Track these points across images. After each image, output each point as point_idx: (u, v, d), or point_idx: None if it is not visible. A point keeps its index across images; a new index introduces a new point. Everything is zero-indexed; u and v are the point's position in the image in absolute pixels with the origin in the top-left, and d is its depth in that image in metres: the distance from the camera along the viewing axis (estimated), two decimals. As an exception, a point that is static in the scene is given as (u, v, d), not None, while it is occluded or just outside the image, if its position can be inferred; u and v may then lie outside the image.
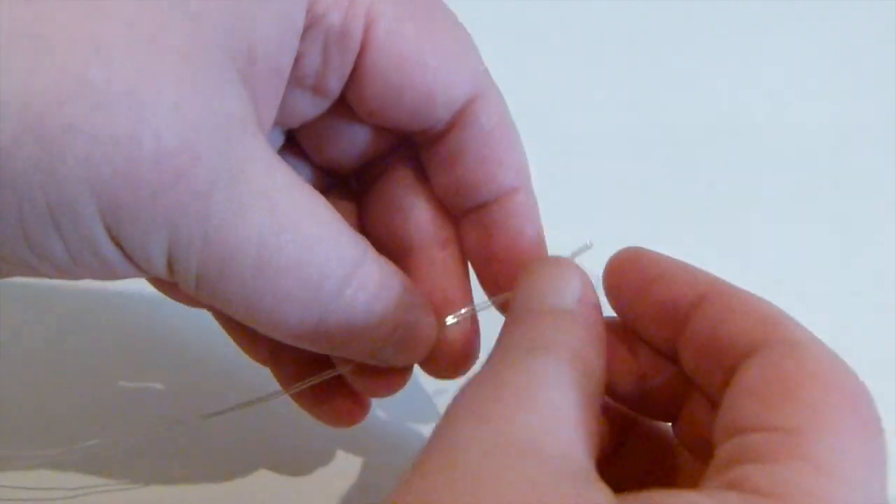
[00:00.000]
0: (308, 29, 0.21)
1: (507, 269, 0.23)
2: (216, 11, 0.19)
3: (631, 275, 0.22)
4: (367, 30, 0.22)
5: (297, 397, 0.25)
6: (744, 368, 0.18)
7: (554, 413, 0.17)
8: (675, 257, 0.22)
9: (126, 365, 0.30)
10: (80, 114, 0.16)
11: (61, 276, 0.19)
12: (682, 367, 0.22)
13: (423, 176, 0.25)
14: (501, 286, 0.24)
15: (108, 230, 0.18)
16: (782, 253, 0.39)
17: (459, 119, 0.23)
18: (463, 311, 0.24)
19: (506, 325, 0.21)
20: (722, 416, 0.18)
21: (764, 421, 0.16)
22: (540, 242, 0.24)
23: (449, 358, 0.24)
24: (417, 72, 0.22)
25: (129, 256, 0.19)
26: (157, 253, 0.19)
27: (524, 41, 0.51)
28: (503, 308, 0.24)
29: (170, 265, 0.19)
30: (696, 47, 0.52)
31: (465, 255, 0.25)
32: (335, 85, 0.22)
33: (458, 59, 0.23)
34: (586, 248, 0.23)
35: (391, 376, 0.24)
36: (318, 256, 0.20)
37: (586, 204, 0.40)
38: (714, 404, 0.22)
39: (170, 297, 0.25)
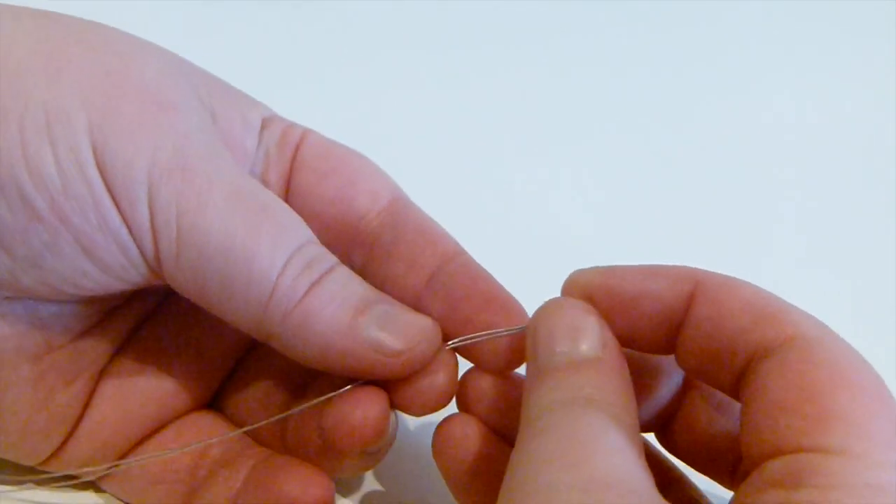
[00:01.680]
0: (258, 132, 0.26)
1: (476, 308, 0.24)
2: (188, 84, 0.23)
3: (607, 301, 0.22)
4: (300, 140, 0.26)
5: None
6: (763, 375, 0.18)
7: (625, 455, 0.18)
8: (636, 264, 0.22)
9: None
10: (80, 51, 0.21)
11: (52, 213, 0.20)
12: (683, 369, 0.22)
13: None
14: (476, 326, 0.24)
15: (95, 148, 0.20)
16: (791, 261, 0.40)
17: (390, 213, 0.25)
18: (464, 337, 0.24)
19: (536, 376, 0.21)
20: (755, 431, 0.18)
21: (813, 442, 0.17)
22: (498, 284, 0.24)
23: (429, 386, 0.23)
24: (342, 164, 0.26)
25: (112, 191, 0.20)
26: (140, 185, 0.20)
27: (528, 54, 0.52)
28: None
29: (150, 200, 0.20)
30: (699, 56, 0.53)
31: None
32: (276, 187, 0.26)
33: (376, 170, 0.26)
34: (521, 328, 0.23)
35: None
36: (287, 210, 0.23)
37: (586, 211, 0.41)
38: (719, 405, 0.23)
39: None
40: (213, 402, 0.27)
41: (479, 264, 0.25)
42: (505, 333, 0.23)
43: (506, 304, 0.24)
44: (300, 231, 0.23)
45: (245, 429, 0.25)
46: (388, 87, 0.47)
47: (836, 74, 0.52)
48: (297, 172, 0.26)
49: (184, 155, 0.21)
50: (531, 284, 0.24)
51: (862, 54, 0.53)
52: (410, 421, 0.30)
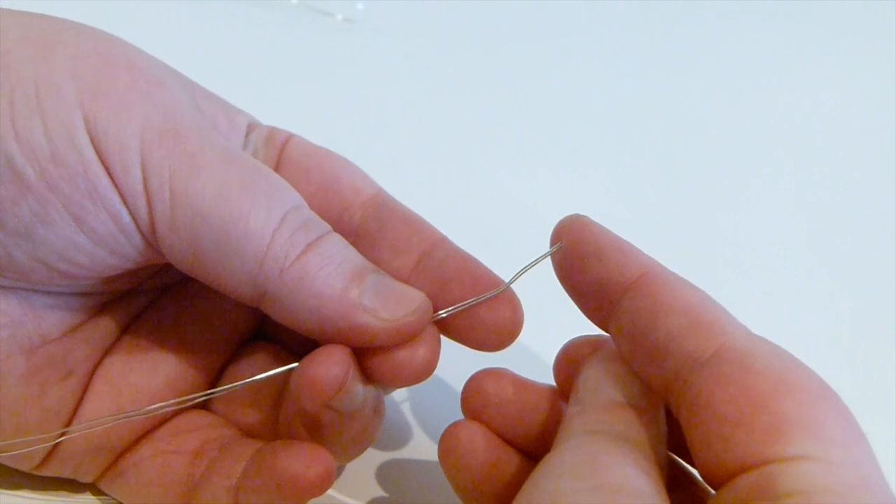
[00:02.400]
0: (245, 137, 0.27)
1: (466, 287, 0.24)
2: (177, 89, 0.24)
3: (572, 248, 0.22)
4: (286, 141, 0.27)
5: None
6: (700, 387, 0.18)
7: (643, 478, 0.18)
8: (619, 235, 0.22)
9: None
10: (71, 37, 0.22)
11: (41, 181, 0.20)
12: (616, 345, 0.22)
13: None
14: (460, 299, 0.24)
15: (86, 117, 0.21)
16: (780, 256, 0.39)
17: (373, 205, 0.26)
18: (449, 308, 0.24)
19: (576, 411, 0.21)
20: (710, 448, 0.18)
21: (775, 452, 0.17)
22: (486, 267, 0.25)
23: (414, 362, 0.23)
24: (325, 161, 0.27)
25: (104, 157, 0.21)
26: (132, 151, 0.21)
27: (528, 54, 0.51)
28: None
29: (143, 163, 0.21)
30: (695, 52, 0.53)
31: None
32: None
33: (359, 169, 0.27)
34: (559, 247, 0.23)
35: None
36: (278, 176, 0.23)
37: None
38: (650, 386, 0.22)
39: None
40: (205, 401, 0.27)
41: (464, 250, 0.25)
42: (489, 297, 0.24)
43: (495, 283, 0.24)
44: (294, 194, 0.23)
45: (209, 392, 0.24)
46: (374, 91, 0.47)
47: (836, 75, 0.52)
48: (281, 168, 0.26)
49: (174, 121, 0.22)
50: (520, 285, 0.24)
51: (864, 55, 0.53)
52: (417, 426, 0.30)
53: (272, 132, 0.27)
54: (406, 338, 0.23)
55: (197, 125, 0.22)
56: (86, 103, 0.21)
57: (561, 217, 0.24)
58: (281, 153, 0.27)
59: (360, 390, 0.23)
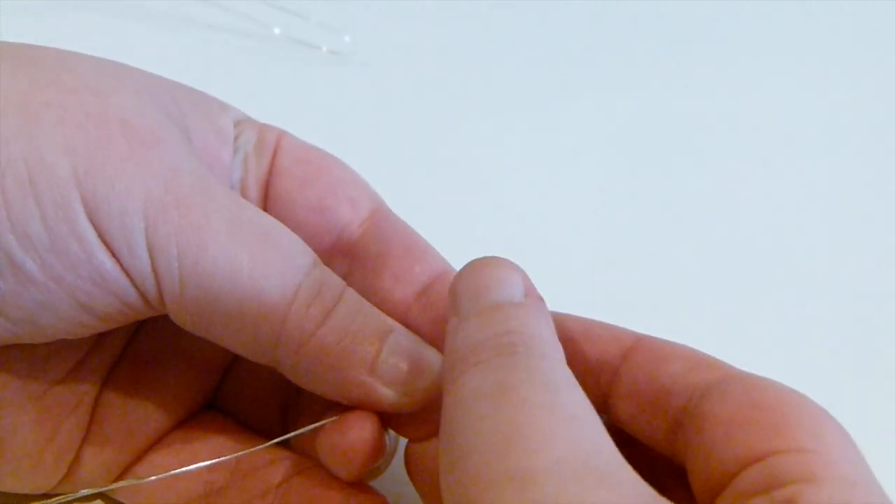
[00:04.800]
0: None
1: None
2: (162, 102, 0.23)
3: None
4: (277, 144, 0.26)
5: None
6: (706, 406, 0.19)
7: (585, 423, 0.17)
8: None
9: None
10: (54, 94, 0.20)
11: (43, 273, 0.20)
12: (615, 420, 0.22)
13: None
14: None
15: (84, 198, 0.19)
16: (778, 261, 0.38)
17: (373, 223, 0.26)
18: None
19: (459, 325, 0.20)
20: (710, 452, 0.18)
21: (778, 445, 0.17)
22: None
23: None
24: (321, 172, 0.26)
25: (107, 240, 0.20)
26: (137, 231, 0.20)
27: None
28: None
29: (149, 242, 0.20)
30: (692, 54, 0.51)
31: None
32: (254, 193, 0.26)
33: (356, 178, 0.27)
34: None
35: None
36: (287, 232, 0.22)
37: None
38: (650, 450, 0.22)
39: None
40: (214, 400, 0.27)
41: None
42: None
43: None
44: (304, 256, 0.22)
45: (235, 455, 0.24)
46: (361, 126, 0.45)
47: (835, 75, 0.51)
48: (276, 178, 0.26)
49: (176, 190, 0.21)
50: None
51: (865, 56, 0.52)
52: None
53: (261, 134, 0.26)
54: (425, 405, 0.23)
55: (199, 185, 0.21)
56: (82, 181, 0.20)
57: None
58: (273, 160, 0.26)
59: (386, 444, 0.23)
